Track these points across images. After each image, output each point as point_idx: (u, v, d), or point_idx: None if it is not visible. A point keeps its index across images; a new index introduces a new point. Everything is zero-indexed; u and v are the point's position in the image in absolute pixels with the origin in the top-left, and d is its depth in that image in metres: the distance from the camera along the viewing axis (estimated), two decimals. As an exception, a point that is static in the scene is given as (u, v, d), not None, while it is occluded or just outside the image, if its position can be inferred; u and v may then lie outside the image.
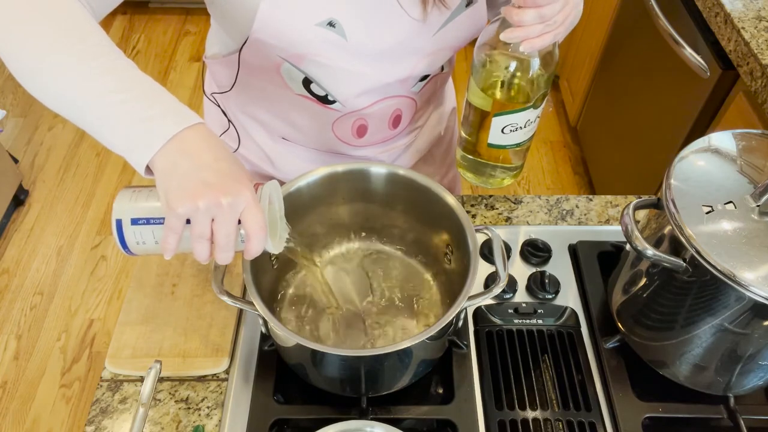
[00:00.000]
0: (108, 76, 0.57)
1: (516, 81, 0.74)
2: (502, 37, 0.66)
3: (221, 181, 0.55)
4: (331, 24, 0.74)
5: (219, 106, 0.99)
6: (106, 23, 2.97)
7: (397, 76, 0.83)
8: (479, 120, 0.78)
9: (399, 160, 1.01)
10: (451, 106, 1.10)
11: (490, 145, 0.79)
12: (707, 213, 0.63)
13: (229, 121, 0.99)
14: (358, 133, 0.91)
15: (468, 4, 0.79)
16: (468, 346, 0.80)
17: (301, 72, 0.79)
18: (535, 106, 0.75)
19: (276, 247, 0.63)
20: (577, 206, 0.99)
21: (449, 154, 1.14)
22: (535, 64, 0.71)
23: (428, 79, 0.88)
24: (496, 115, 0.75)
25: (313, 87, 0.81)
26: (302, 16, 0.74)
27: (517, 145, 0.80)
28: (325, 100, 0.83)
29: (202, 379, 0.78)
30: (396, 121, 0.92)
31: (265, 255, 0.76)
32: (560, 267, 0.90)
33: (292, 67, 0.79)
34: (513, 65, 0.72)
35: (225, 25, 0.81)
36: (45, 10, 0.59)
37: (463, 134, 0.84)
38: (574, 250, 0.92)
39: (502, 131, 0.77)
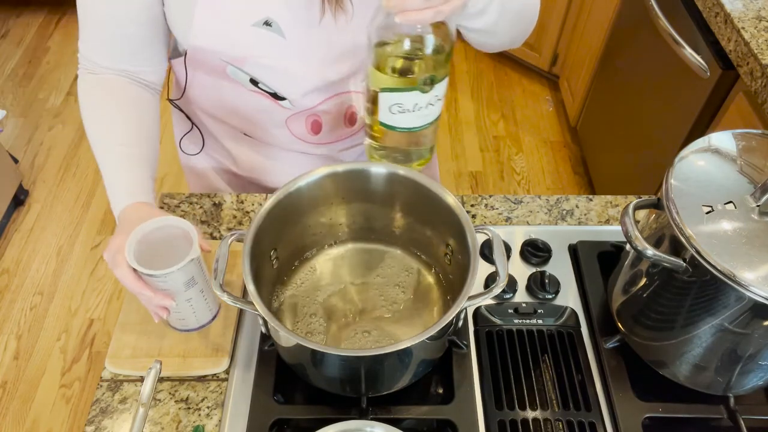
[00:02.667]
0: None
1: (400, 60, 0.70)
2: (383, 3, 0.62)
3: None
4: (267, 23, 0.75)
5: (180, 109, 1.00)
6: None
7: (340, 74, 0.83)
8: (373, 99, 0.75)
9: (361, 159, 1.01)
10: None
11: (382, 124, 0.75)
12: (707, 213, 0.63)
13: (192, 123, 1.00)
14: (312, 130, 0.91)
15: None
16: (468, 346, 0.80)
17: (246, 73, 0.80)
18: (422, 90, 0.70)
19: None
20: (577, 206, 0.99)
21: None
22: (415, 43, 0.67)
23: None
24: (381, 90, 0.72)
25: (261, 86, 0.82)
26: (238, 18, 0.74)
27: (408, 129, 0.75)
28: (276, 96, 0.84)
29: (202, 379, 0.78)
30: (352, 118, 0.92)
31: (266, 255, 0.76)
32: (560, 267, 0.90)
33: (236, 69, 0.80)
34: (393, 40, 0.68)
35: (172, 29, 0.81)
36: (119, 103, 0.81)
37: (366, 119, 0.81)
38: (574, 250, 0.92)
39: (390, 110, 0.73)
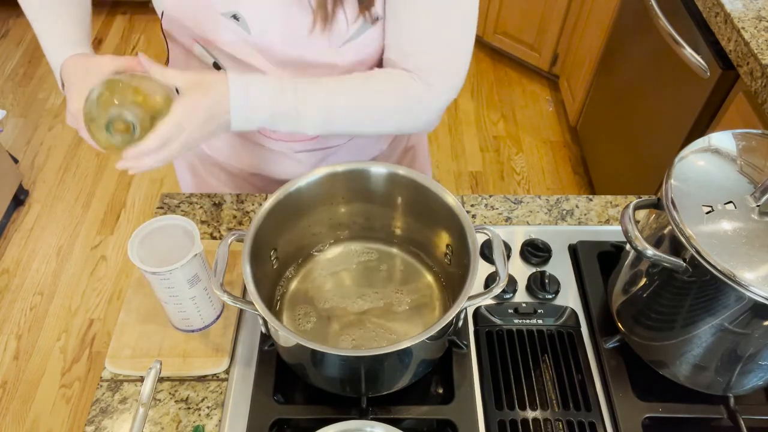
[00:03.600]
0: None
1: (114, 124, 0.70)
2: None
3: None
4: (235, 17, 0.76)
5: None
6: (106, 23, 2.97)
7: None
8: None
9: (332, 158, 0.99)
10: None
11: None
12: (707, 213, 0.63)
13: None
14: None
15: (375, 20, 0.78)
16: (468, 346, 0.80)
17: (212, 56, 0.81)
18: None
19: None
20: (577, 206, 0.99)
21: (407, 140, 1.10)
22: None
23: None
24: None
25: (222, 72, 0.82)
26: (208, 3, 0.75)
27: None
28: None
29: (202, 379, 0.78)
30: None
31: (266, 255, 0.76)
32: (560, 267, 0.90)
33: (203, 50, 0.81)
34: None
35: None
36: None
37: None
38: (574, 250, 0.92)
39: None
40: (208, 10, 0.76)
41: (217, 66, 0.82)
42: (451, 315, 0.65)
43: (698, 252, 0.61)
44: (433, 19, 0.76)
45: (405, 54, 0.79)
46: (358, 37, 0.78)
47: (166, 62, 0.98)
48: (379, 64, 0.84)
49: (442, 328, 0.65)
